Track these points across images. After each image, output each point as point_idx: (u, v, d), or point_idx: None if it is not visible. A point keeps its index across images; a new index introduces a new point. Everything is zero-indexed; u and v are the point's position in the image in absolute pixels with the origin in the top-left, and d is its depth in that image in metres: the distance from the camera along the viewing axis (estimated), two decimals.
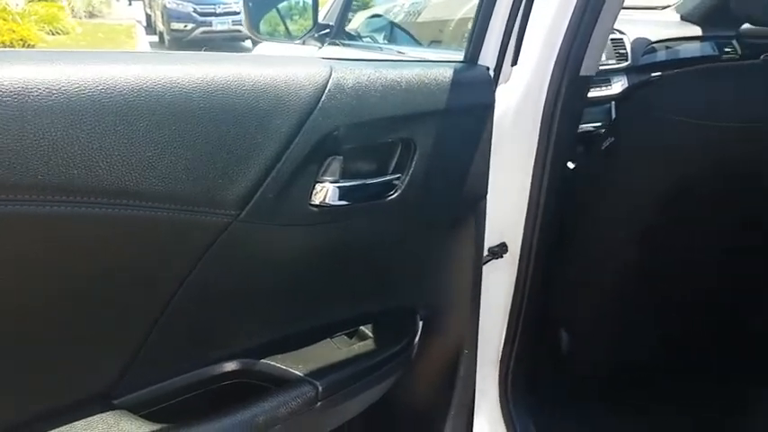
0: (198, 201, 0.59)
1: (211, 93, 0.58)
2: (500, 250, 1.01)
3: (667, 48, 2.02)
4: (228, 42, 9.56)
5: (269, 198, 0.63)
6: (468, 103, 0.79)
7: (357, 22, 1.91)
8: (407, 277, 0.85)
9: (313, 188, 0.67)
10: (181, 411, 0.69)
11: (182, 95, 0.57)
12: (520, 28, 0.84)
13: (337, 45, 1.71)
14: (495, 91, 0.83)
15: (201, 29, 9.46)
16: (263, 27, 1.63)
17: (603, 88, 1.63)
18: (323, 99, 0.64)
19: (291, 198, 0.65)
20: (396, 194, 0.73)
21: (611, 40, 1.96)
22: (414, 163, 0.73)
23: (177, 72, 0.57)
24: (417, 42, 1.66)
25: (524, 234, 1.01)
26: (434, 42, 1.67)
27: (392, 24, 1.74)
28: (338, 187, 0.69)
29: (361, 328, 0.83)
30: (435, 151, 0.75)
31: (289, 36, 1.70)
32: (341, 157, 0.67)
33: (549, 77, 0.91)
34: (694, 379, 1.33)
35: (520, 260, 1.02)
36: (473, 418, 1.00)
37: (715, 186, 0.99)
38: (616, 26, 2.04)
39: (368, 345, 0.81)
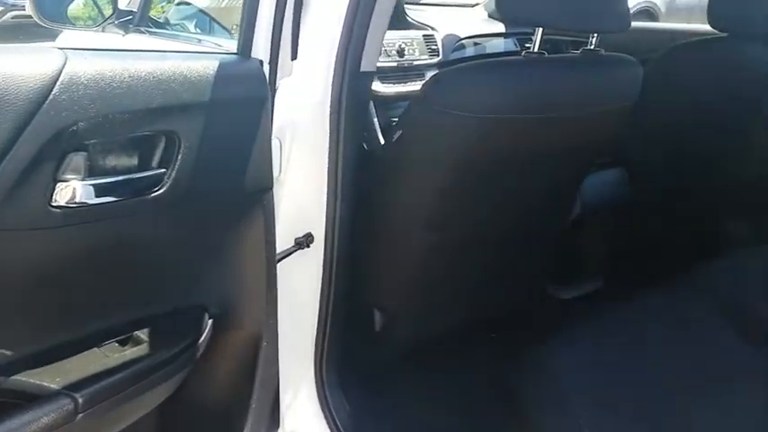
0: None
1: None
2: (306, 240, 1.03)
3: (475, 44, 2.18)
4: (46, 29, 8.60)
5: None
6: (240, 96, 0.78)
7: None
8: (191, 276, 0.83)
9: (53, 188, 0.62)
10: None
11: None
12: (294, 22, 0.85)
13: (142, 33, 1.62)
14: (270, 84, 0.84)
15: (12, 13, 8.41)
16: (52, 11, 1.48)
17: (418, 83, 1.72)
18: (54, 92, 0.59)
19: (25, 200, 0.59)
20: (162, 190, 0.71)
21: (423, 36, 2.06)
22: (180, 157, 0.71)
23: None
24: (227, 31, 1.62)
25: (326, 223, 1.03)
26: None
27: (201, 12, 1.68)
28: (91, 185, 0.64)
29: (137, 333, 0.80)
30: (204, 145, 0.73)
31: (87, 22, 1.57)
32: (84, 153, 0.63)
33: (331, 73, 0.93)
34: (491, 343, 1.48)
35: (325, 248, 1.05)
36: (279, 407, 1.01)
37: (492, 172, 1.09)
38: (428, 22, 2.16)
39: (141, 350, 0.77)
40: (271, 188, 0.83)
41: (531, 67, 1.02)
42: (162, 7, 1.79)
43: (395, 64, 1.99)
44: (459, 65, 1.03)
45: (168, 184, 0.71)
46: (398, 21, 2.10)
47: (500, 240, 1.28)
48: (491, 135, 1.00)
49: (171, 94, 0.69)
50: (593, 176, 1.54)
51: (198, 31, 1.71)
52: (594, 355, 1.03)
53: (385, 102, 1.73)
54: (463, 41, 2.18)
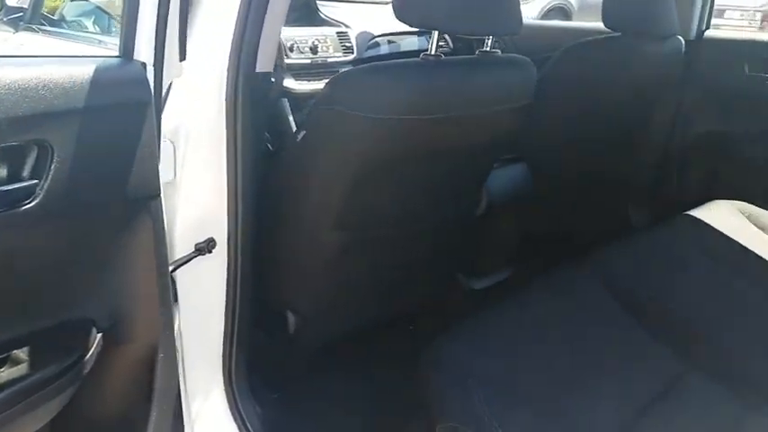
0: None
1: None
2: (207, 246, 1.01)
3: (390, 41, 2.20)
4: None
5: None
6: (120, 101, 0.76)
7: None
8: (75, 289, 0.80)
9: None
10: None
11: None
12: (181, 21, 0.83)
13: (35, 32, 1.52)
14: (156, 87, 0.81)
15: None
16: None
17: None
18: None
19: None
20: (34, 202, 0.68)
21: (337, 33, 2.06)
22: (53, 167, 0.68)
23: None
24: None
25: (228, 226, 1.02)
26: None
27: (98, 8, 1.60)
28: None
29: (16, 352, 0.76)
30: (80, 153, 0.70)
31: None
32: None
33: (225, 73, 0.92)
34: (409, 336, 1.51)
35: (228, 252, 1.03)
36: (182, 419, 0.99)
37: (397, 170, 1.11)
38: (341, 19, 2.16)
39: (20, 370, 0.74)
40: (158, 195, 0.81)
41: (429, 70, 1.04)
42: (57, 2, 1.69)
43: (308, 61, 1.99)
44: (360, 66, 1.04)
45: (41, 196, 0.68)
46: (311, 17, 2.09)
47: (410, 236, 1.31)
48: (392, 135, 1.02)
49: (40, 102, 0.66)
50: (498, 172, 1.60)
51: (97, 29, 1.63)
52: (493, 341, 1.07)
53: (300, 99, 1.73)
54: (377, 39, 2.20)
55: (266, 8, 0.91)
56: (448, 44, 2.29)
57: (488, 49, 1.16)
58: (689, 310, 1.19)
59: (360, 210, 1.14)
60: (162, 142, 0.92)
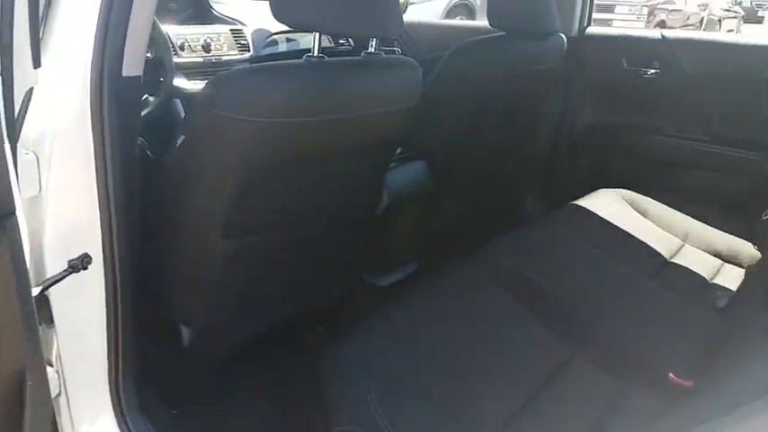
0: None
1: None
2: (81, 262, 0.95)
3: (288, 39, 2.16)
4: None
5: None
6: None
7: None
8: None
9: None
10: None
11: None
12: (31, 26, 0.77)
13: None
14: (6, 96, 0.75)
15: None
16: None
17: None
18: None
19: None
20: None
21: (231, 30, 2.00)
22: None
23: None
24: None
25: (103, 241, 0.96)
26: None
27: None
28: None
29: None
30: None
31: None
32: None
33: (88, 80, 0.87)
34: (313, 340, 1.50)
35: (105, 268, 0.98)
36: None
37: (285, 174, 1.09)
38: (236, 16, 2.10)
39: None
40: (13, 212, 0.75)
41: (312, 71, 1.03)
42: None
43: (201, 60, 1.92)
44: (239, 67, 1.01)
45: None
46: (203, 15, 2.02)
47: (308, 238, 1.29)
48: (275, 138, 1.00)
49: None
50: (398, 170, 1.62)
51: None
52: (389, 341, 1.08)
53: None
54: (275, 37, 2.16)
55: (130, 8, 0.86)
56: (349, 42, 2.28)
57: (373, 50, 1.16)
58: (574, 296, 1.26)
59: (250, 215, 1.12)
60: (24, 155, 0.85)
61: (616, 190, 1.76)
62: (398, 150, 1.64)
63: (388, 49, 2.38)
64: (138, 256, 1.02)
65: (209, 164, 1.02)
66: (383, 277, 1.71)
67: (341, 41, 2.27)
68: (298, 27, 1.06)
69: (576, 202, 1.65)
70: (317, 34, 1.05)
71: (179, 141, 1.04)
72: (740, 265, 1.61)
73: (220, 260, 1.14)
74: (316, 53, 1.05)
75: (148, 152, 1.31)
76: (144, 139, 1.33)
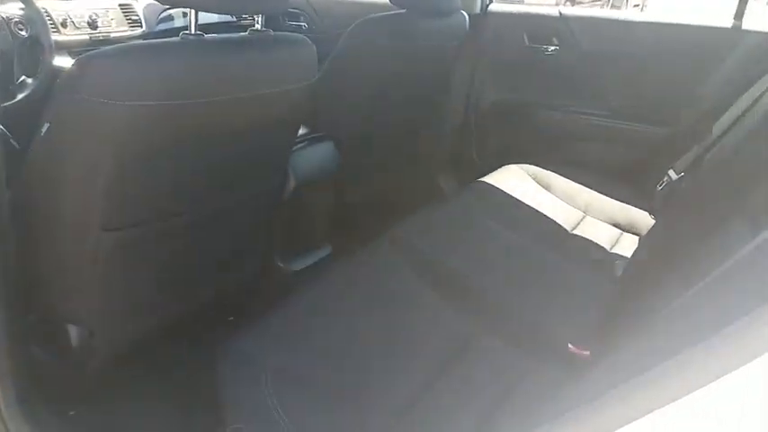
0: None
1: None
2: None
3: (184, 13, 2.04)
4: None
5: None
6: None
7: None
8: None
9: None
10: None
11: None
12: None
13: None
14: None
15: None
16: None
17: None
18: None
19: None
20: None
21: (120, 5, 1.86)
22: None
23: None
24: None
25: None
26: None
27: None
28: None
29: None
30: None
31: None
32: None
33: None
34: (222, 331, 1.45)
35: None
36: None
37: (167, 159, 1.01)
38: None
39: None
40: None
41: (187, 51, 0.96)
42: None
43: (87, 37, 1.78)
44: (106, 48, 0.92)
45: None
46: None
47: (203, 225, 1.23)
48: (150, 124, 0.93)
49: None
50: (304, 151, 1.57)
51: None
52: (290, 331, 1.05)
53: None
54: (170, 11, 2.03)
55: None
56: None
57: (260, 27, 1.10)
58: (478, 273, 1.27)
59: (132, 205, 1.04)
60: None
61: (521, 165, 1.79)
62: (304, 131, 1.59)
63: (295, 24, 2.31)
64: (9, 256, 0.93)
65: (77, 154, 0.93)
66: (295, 261, 1.67)
67: (244, 15, 2.17)
68: (176, 5, 0.98)
69: (483, 179, 1.67)
70: (193, 12, 0.98)
71: (43, 129, 0.95)
72: (638, 234, 1.69)
73: (103, 255, 1.05)
74: (193, 30, 0.98)
75: (13, 142, 1.19)
76: (14, 125, 1.21)
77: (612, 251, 1.57)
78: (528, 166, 1.79)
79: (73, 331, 1.16)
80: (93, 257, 1.06)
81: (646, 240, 1.50)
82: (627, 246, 1.61)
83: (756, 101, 1.17)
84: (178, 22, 2.04)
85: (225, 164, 1.15)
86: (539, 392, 1.04)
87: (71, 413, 1.21)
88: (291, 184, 1.52)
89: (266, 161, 1.30)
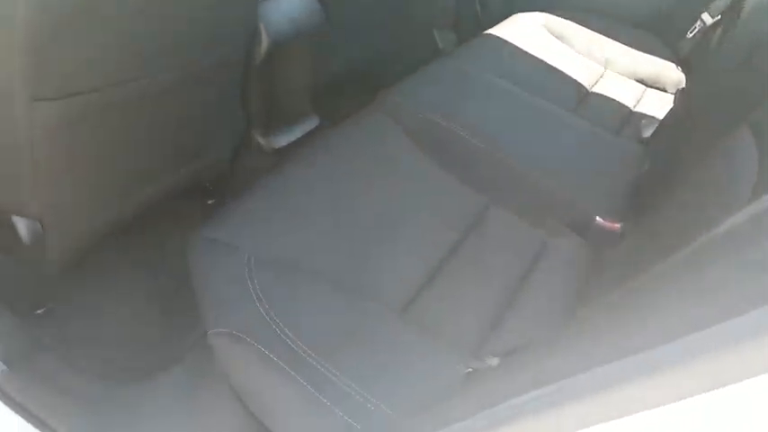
0: None
1: None
2: None
3: None
4: None
5: None
6: None
7: None
8: None
9: None
10: None
11: None
12: None
13: None
14: None
15: None
16: None
17: None
18: None
19: None
20: None
21: None
22: None
23: None
24: None
25: None
26: None
27: None
28: None
29: None
30: None
31: None
32: None
33: None
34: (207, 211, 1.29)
35: None
36: None
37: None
38: None
39: None
40: None
41: None
42: None
43: None
44: None
45: None
46: None
47: (163, 97, 1.02)
48: None
49: None
50: (279, 4, 1.31)
51: None
52: (277, 214, 0.89)
53: None
54: None
55: None
56: None
57: None
58: (487, 138, 1.09)
59: (71, 66, 0.82)
60: None
61: (533, 14, 1.55)
62: None
63: None
64: None
65: None
66: (275, 137, 1.48)
67: None
68: None
69: (489, 31, 1.43)
70: None
71: None
72: (663, 90, 1.49)
73: (40, 133, 0.86)
74: None
75: None
76: None
77: (636, 110, 1.39)
78: (541, 14, 1.54)
79: (21, 225, 0.99)
80: (29, 136, 0.87)
81: (681, 96, 1.31)
82: (652, 103, 1.42)
83: None
84: None
85: (183, 15, 0.92)
86: (563, 273, 0.91)
87: (38, 312, 1.09)
88: (265, 42, 1.29)
89: (232, 14, 1.06)
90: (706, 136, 0.85)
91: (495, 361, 0.54)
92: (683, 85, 1.46)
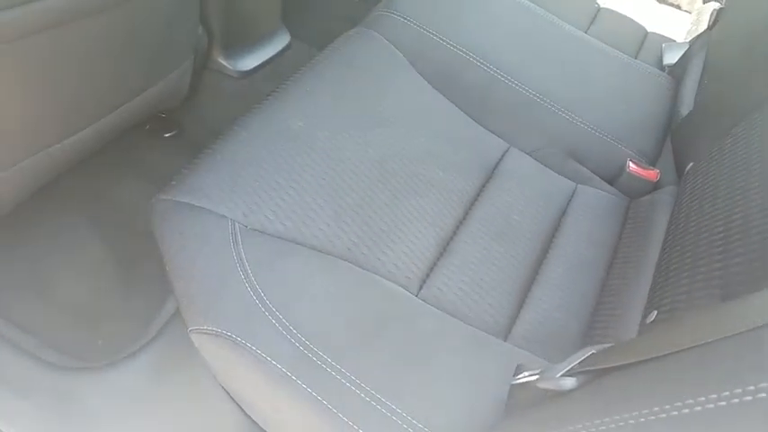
0: None
1: None
2: None
3: None
4: None
5: None
6: None
7: None
8: None
9: None
10: None
11: None
12: None
13: None
14: None
15: None
16: None
17: None
18: None
19: None
20: None
21: None
22: None
23: None
24: None
25: None
26: None
27: None
28: None
29: None
30: None
31: None
32: None
33: None
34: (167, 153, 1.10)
35: None
36: None
37: None
38: None
39: None
40: None
41: None
42: None
43: None
44: None
45: None
46: None
47: (106, 16, 0.80)
48: None
49: None
50: None
51: None
52: (256, 159, 0.72)
53: None
54: None
55: None
56: None
57: None
58: (501, 67, 0.93)
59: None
60: None
61: None
62: None
63: None
64: None
65: None
66: (241, 60, 1.27)
67: None
68: None
69: None
70: None
71: None
72: (678, 7, 1.33)
73: None
74: None
75: None
76: None
77: (652, 31, 1.23)
78: None
79: None
80: None
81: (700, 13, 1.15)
82: (667, 23, 1.27)
83: None
84: None
85: None
86: (593, 231, 0.79)
87: None
88: None
89: None
90: None
91: (570, 382, 0.42)
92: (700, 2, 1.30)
